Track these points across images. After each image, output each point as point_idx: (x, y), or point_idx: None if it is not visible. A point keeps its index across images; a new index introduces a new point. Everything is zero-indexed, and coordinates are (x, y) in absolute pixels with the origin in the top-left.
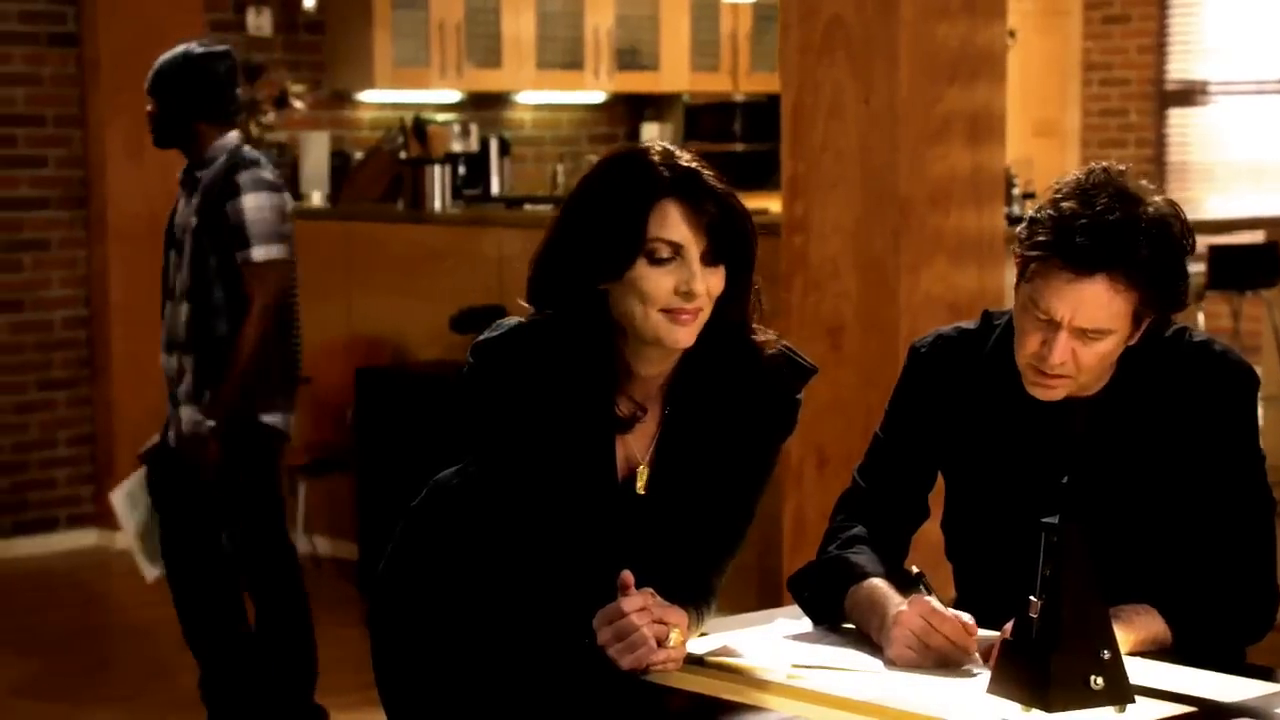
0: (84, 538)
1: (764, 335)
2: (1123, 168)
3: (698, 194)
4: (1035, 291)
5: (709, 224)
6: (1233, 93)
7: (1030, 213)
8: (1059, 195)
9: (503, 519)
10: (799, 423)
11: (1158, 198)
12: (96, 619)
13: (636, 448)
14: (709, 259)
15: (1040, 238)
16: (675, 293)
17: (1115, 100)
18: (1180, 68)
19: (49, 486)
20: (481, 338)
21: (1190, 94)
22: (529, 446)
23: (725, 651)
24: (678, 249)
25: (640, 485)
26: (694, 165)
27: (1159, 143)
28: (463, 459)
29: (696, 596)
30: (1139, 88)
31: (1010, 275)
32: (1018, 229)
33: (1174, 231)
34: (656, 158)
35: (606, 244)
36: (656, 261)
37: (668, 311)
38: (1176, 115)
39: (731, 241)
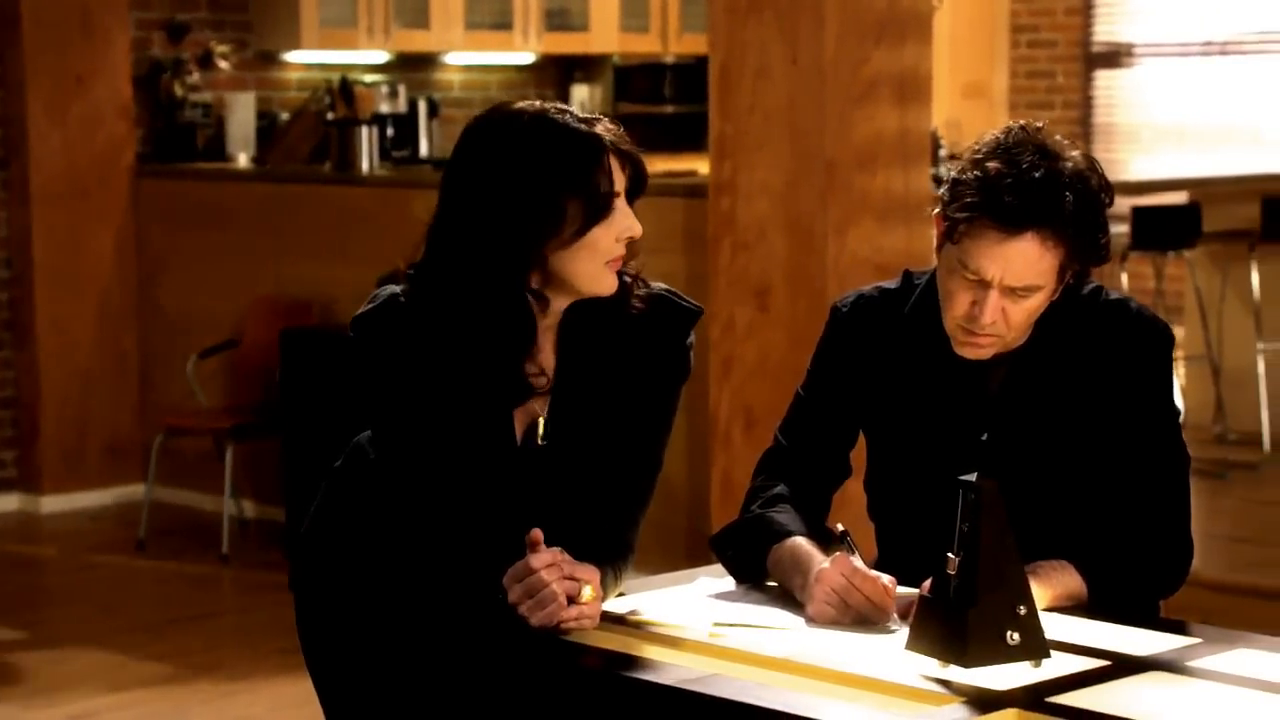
0: (7, 502)
1: (639, 276)
2: (1039, 125)
3: (620, 143)
4: (964, 253)
5: (627, 167)
6: (1157, 55)
7: (951, 174)
8: (980, 156)
9: (405, 485)
10: (729, 385)
11: (1075, 153)
12: (21, 582)
13: (535, 401)
14: (628, 200)
15: (968, 199)
16: (618, 240)
17: (1043, 62)
18: (1106, 30)
19: None
20: (360, 310)
21: (1116, 56)
22: (420, 414)
23: (646, 610)
24: (615, 199)
25: (540, 437)
26: (597, 114)
27: (1085, 104)
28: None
29: (612, 553)
30: (1066, 49)
31: None
32: (939, 191)
33: (1093, 185)
34: (569, 118)
35: (568, 213)
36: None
37: (609, 262)
38: (1103, 77)
39: (635, 181)
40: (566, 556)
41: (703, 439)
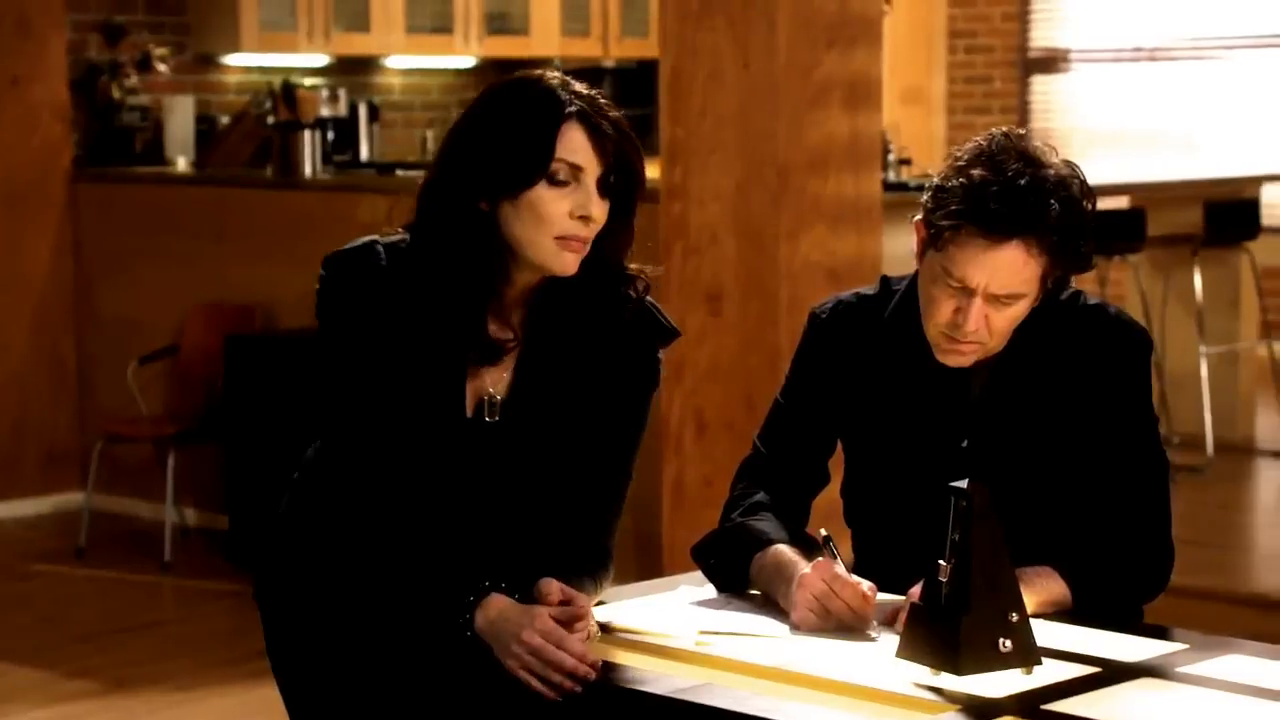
0: None
1: (636, 282)
2: (1021, 131)
3: (600, 121)
4: (948, 260)
5: (609, 151)
6: (1092, 60)
7: (934, 181)
8: (963, 163)
9: (350, 453)
10: (681, 389)
11: (1056, 159)
12: None
13: (490, 376)
14: (602, 188)
15: (953, 206)
16: (571, 217)
17: (980, 67)
18: (1042, 35)
19: None
20: (335, 250)
21: (1052, 61)
22: (372, 367)
23: (631, 619)
24: (577, 172)
25: (493, 412)
26: (593, 92)
27: (1022, 109)
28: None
29: (592, 562)
30: (1003, 55)
31: (890, 241)
32: (922, 198)
33: (1076, 192)
34: (556, 82)
35: (509, 161)
36: (556, 183)
37: (561, 238)
38: (1039, 82)
39: (624, 174)
40: (569, 599)
41: (654, 443)
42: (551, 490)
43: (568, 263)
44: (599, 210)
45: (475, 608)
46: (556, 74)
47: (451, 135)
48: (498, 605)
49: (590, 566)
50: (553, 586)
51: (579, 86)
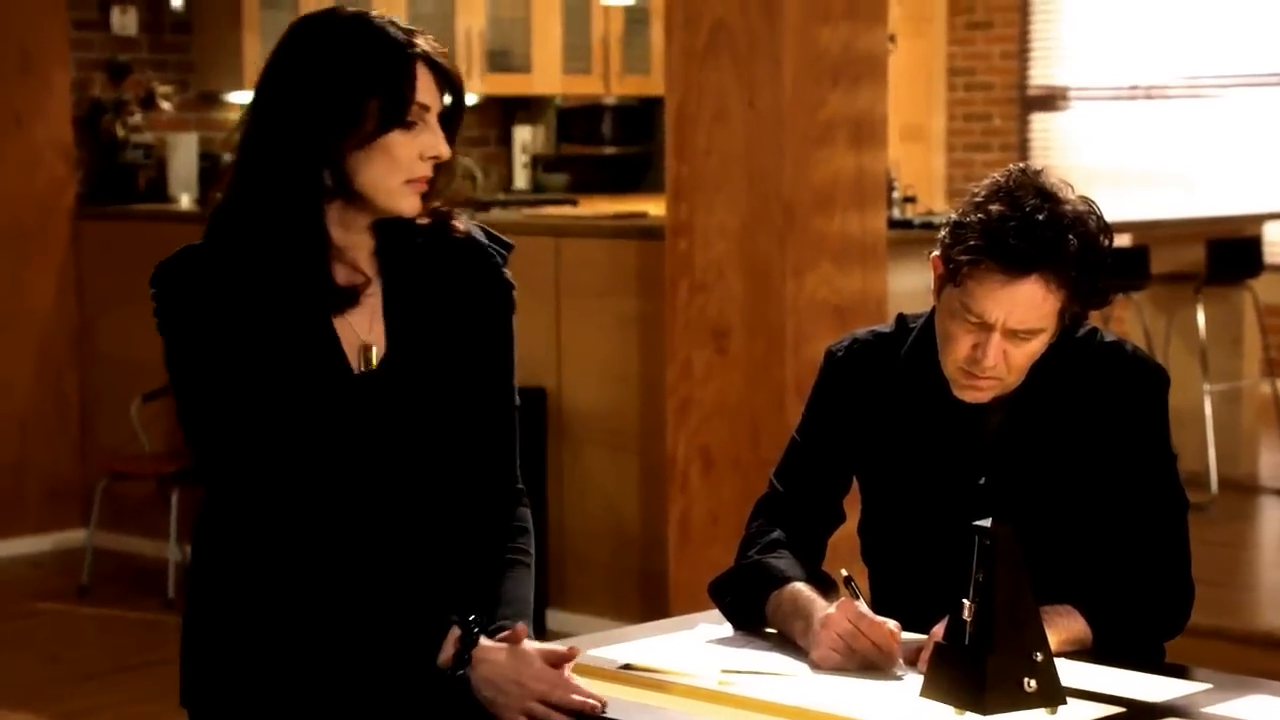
0: None
1: (452, 211)
2: (1039, 168)
3: (438, 58)
4: (967, 295)
5: (447, 86)
6: (1091, 98)
7: (951, 217)
8: (981, 199)
9: (229, 445)
10: (686, 426)
11: (1073, 195)
12: None
13: (360, 326)
14: (440, 124)
15: (971, 241)
16: (421, 159)
17: (979, 105)
18: (1041, 73)
19: None
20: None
21: (1051, 99)
22: (243, 356)
23: (651, 658)
24: (424, 113)
25: (374, 360)
26: (412, 28)
27: (1022, 147)
28: None
29: (511, 525)
30: (1002, 92)
31: (896, 278)
32: (939, 234)
33: (1093, 227)
34: (384, 21)
35: (365, 110)
36: (406, 125)
37: (410, 181)
38: (1038, 120)
39: (456, 107)
40: (554, 654)
41: (659, 481)
42: (451, 429)
43: (415, 204)
44: (447, 149)
45: (468, 661)
46: (385, 16)
47: (278, 85)
48: (489, 658)
49: (515, 539)
50: (518, 631)
51: (403, 25)
